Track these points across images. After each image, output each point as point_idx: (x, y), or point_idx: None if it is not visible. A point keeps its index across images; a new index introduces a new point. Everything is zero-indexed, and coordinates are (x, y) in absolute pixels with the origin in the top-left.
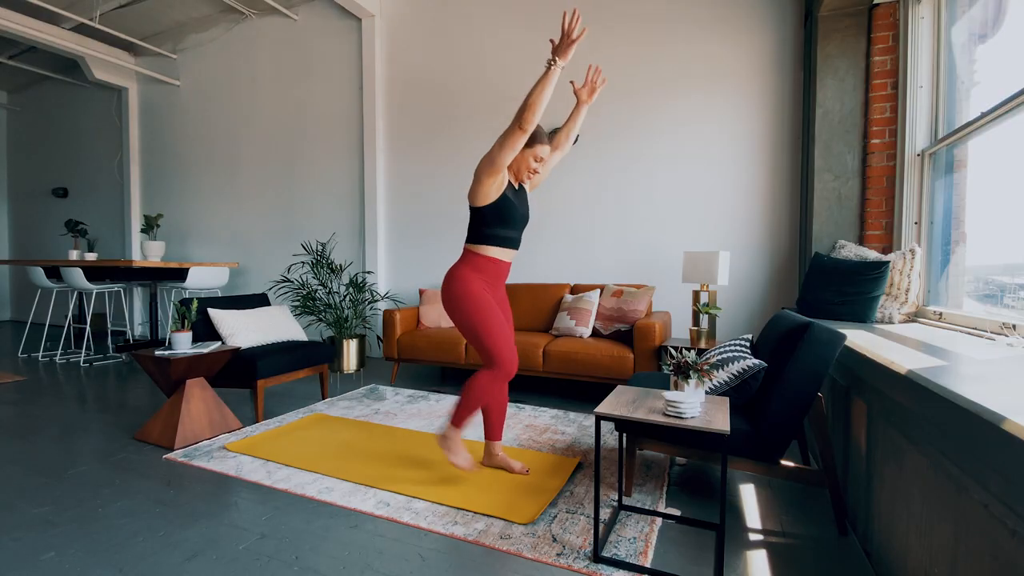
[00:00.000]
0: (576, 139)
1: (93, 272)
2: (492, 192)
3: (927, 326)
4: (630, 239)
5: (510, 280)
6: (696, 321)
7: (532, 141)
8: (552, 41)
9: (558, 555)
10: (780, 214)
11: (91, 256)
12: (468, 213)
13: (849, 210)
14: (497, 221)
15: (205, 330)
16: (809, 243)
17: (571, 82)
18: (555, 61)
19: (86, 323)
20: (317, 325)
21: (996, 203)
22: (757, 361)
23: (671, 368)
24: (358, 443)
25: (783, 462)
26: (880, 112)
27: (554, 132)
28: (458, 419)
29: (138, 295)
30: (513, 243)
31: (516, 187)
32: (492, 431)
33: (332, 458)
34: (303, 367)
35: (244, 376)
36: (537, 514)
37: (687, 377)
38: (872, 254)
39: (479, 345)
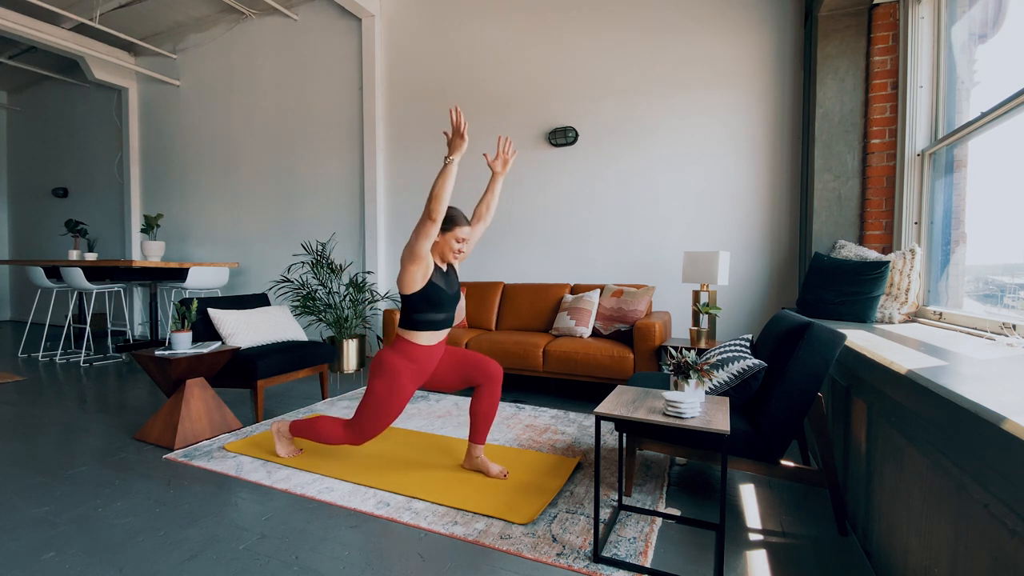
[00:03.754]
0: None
1: (93, 272)
2: (419, 279)
3: (927, 326)
4: (630, 239)
5: (511, 280)
6: (696, 321)
7: (451, 224)
8: (446, 134)
9: (558, 555)
10: (780, 214)
11: (91, 256)
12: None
13: (849, 210)
14: (428, 306)
15: (205, 330)
16: (809, 243)
17: (484, 155)
18: (450, 157)
19: (86, 323)
20: (317, 325)
21: (996, 203)
22: (757, 361)
23: (671, 368)
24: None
25: (783, 462)
26: (880, 112)
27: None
28: (297, 431)
29: (138, 295)
30: (445, 324)
31: (444, 268)
32: (476, 435)
33: (332, 458)
34: (303, 367)
35: (244, 376)
36: (537, 514)
37: (687, 377)
38: (872, 254)
39: (363, 411)
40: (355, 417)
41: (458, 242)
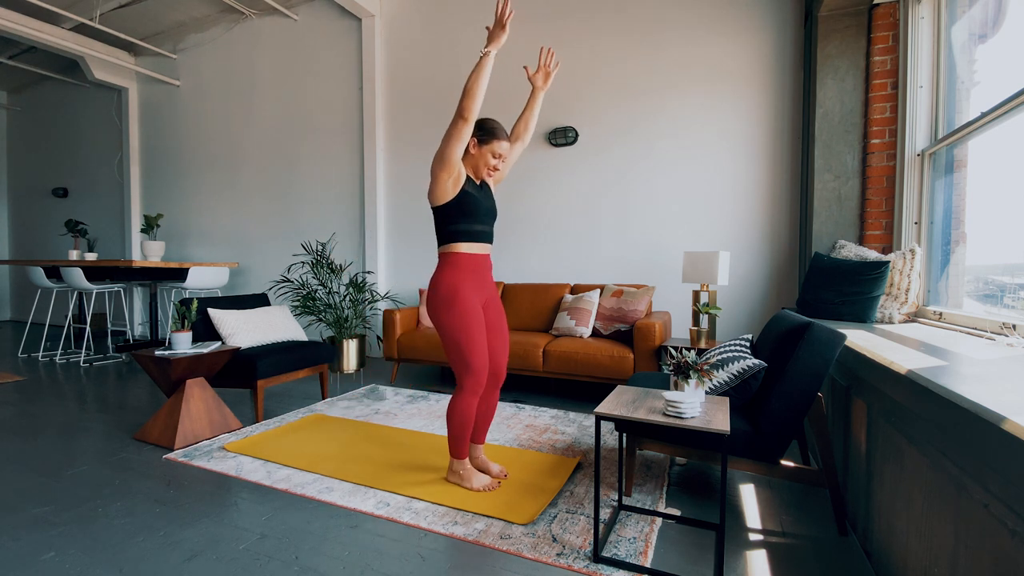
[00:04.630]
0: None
1: (93, 272)
2: (450, 188)
3: (927, 326)
4: (630, 239)
5: (511, 280)
6: (696, 321)
7: (489, 138)
8: (488, 28)
9: (558, 555)
10: (780, 214)
11: (91, 256)
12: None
13: (849, 210)
14: (461, 216)
15: (205, 330)
16: (809, 243)
17: (524, 67)
18: (486, 49)
19: (86, 323)
20: (317, 325)
21: (996, 203)
22: (757, 361)
23: (671, 368)
24: (358, 443)
25: (783, 462)
26: (880, 112)
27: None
28: (456, 451)
29: (138, 295)
30: (483, 236)
31: (478, 183)
32: (477, 435)
33: (332, 458)
34: (303, 367)
35: (244, 376)
36: (537, 514)
37: (687, 377)
38: (872, 254)
39: (458, 352)
40: (455, 368)
41: (495, 157)
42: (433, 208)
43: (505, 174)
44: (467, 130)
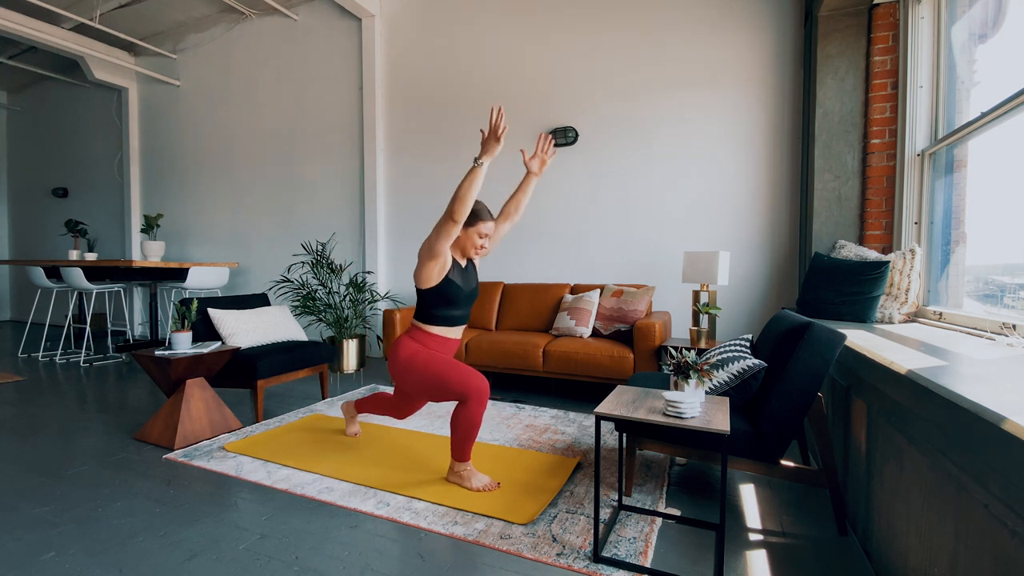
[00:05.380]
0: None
1: (93, 272)
2: (434, 275)
3: (927, 326)
4: (630, 239)
5: (511, 280)
6: (696, 321)
7: (475, 219)
8: (482, 132)
9: (558, 555)
10: (780, 214)
11: (91, 256)
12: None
13: (849, 210)
14: (442, 302)
15: (205, 330)
16: (809, 243)
17: (521, 151)
18: (480, 160)
19: (86, 323)
20: (317, 325)
21: (996, 203)
22: (757, 361)
23: (671, 368)
24: (358, 443)
25: (783, 462)
26: (880, 112)
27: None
28: (459, 455)
29: (138, 295)
30: (460, 320)
31: (463, 264)
32: (361, 406)
33: (332, 458)
34: (303, 367)
35: (244, 376)
36: (537, 514)
37: (687, 377)
38: (872, 254)
39: (446, 392)
40: (453, 398)
41: (481, 237)
42: (416, 288)
43: (492, 248)
44: (456, 230)
